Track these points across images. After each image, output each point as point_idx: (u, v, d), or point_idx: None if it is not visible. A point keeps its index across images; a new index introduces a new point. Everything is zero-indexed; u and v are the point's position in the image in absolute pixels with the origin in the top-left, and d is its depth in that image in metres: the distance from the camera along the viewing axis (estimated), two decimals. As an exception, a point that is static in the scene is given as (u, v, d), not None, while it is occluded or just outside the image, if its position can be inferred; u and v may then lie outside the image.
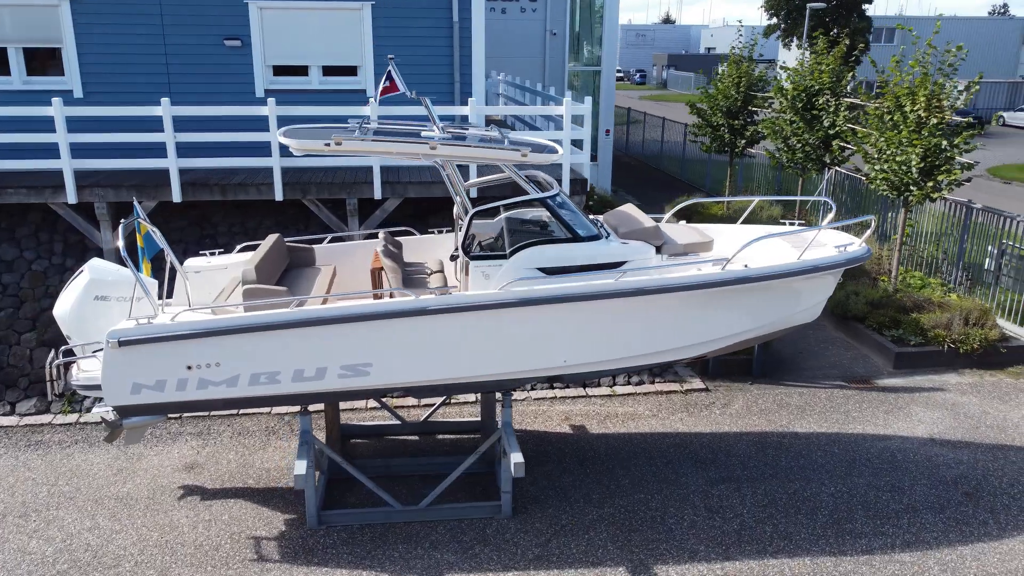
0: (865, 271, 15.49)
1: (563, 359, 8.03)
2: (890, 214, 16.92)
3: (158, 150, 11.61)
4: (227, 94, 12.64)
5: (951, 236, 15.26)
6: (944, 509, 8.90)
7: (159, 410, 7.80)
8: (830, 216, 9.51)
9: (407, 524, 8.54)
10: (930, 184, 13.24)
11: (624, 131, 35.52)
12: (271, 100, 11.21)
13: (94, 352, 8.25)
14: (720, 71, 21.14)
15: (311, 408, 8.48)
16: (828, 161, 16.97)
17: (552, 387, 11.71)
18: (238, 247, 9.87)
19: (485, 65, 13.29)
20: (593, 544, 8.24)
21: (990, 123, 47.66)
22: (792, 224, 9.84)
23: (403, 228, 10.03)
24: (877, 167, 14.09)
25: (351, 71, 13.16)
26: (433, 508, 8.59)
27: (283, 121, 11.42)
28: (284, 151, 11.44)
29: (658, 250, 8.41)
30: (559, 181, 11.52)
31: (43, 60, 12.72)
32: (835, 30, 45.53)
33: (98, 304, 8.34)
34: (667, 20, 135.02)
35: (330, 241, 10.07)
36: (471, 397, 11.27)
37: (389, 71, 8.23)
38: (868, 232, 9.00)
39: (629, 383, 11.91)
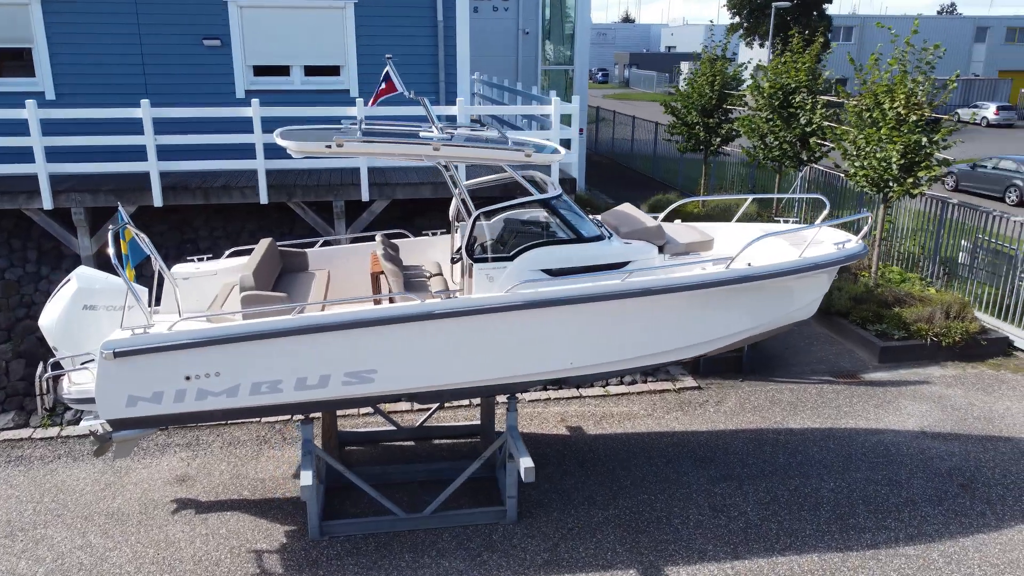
0: (846, 267, 15.68)
1: (570, 361, 7.95)
2: (864, 210, 17.16)
3: (136, 153, 11.27)
4: (206, 95, 12.31)
5: (927, 231, 15.53)
6: (942, 501, 9.01)
7: (156, 423, 7.54)
8: (824, 213, 9.57)
9: (411, 532, 8.39)
10: (910, 180, 13.46)
11: (593, 130, 35.61)
12: (255, 101, 10.94)
13: (83, 364, 7.97)
14: (693, 69, 21.27)
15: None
16: (805, 158, 17.17)
17: (546, 388, 11.63)
18: (227, 252, 9.59)
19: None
20: (602, 547, 8.17)
21: (966, 122, 48.56)
22: (788, 222, 9.88)
23: (397, 231, 9.85)
24: (857, 164, 14.28)
25: (334, 71, 12.91)
26: (437, 515, 8.44)
27: (266, 122, 11.16)
28: (269, 153, 11.18)
29: (660, 250, 8.38)
30: (541, 182, 11.44)
31: (12, 61, 12.24)
32: (796, 29, 46.24)
33: (86, 314, 8.05)
34: (627, 19, 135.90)
35: (321, 245, 9.86)
36: (466, 400, 11.14)
37: (387, 72, 8.05)
38: (865, 229, 9.07)
39: (622, 383, 11.87)
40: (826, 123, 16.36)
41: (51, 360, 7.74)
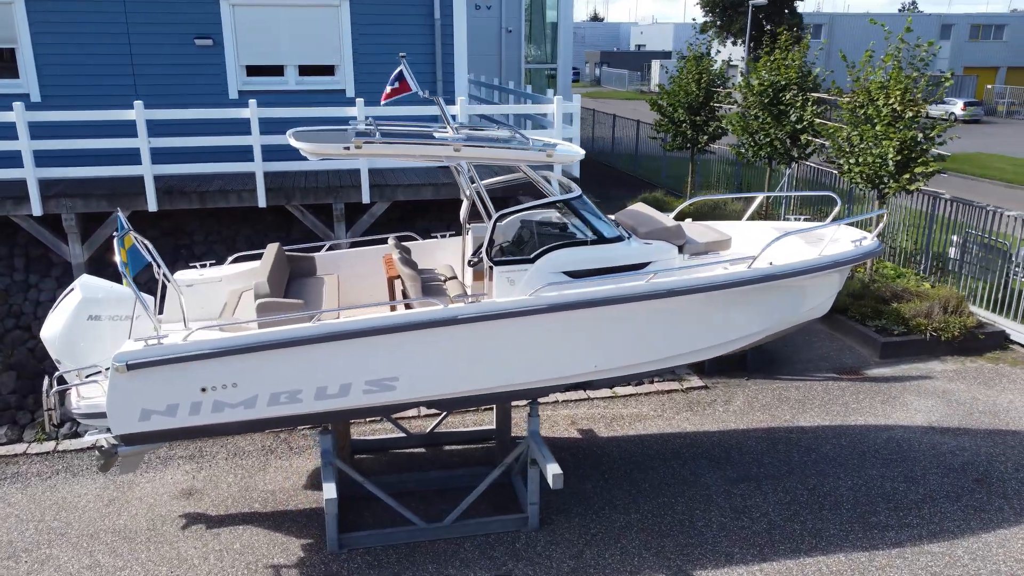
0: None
1: (594, 364, 7.81)
2: (854, 206, 17.27)
3: (127, 157, 10.90)
4: (198, 96, 11.97)
5: (919, 226, 15.64)
6: (960, 497, 9.03)
7: (169, 437, 7.26)
8: (836, 210, 9.55)
9: (432, 542, 8.19)
10: (906, 176, 13.52)
11: (572, 128, 35.48)
12: (253, 102, 10.63)
13: (88, 376, 7.65)
14: (678, 66, 21.26)
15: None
16: (796, 155, 17.22)
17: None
18: (230, 258, 9.32)
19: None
20: (627, 552, 8.04)
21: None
22: (798, 220, 9.84)
23: (406, 234, 9.63)
24: (852, 160, 14.33)
25: (329, 70, 12.63)
26: (458, 524, 8.25)
27: (260, 124, 10.85)
28: (267, 155, 10.89)
29: (679, 250, 8.27)
30: (548, 181, 11.29)
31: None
32: (768, 26, 46.63)
33: (91, 324, 7.75)
34: (595, 18, 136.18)
35: (328, 249, 9.61)
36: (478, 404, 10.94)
37: (400, 71, 7.84)
38: (880, 226, 9.05)
39: (629, 384, 11.76)
40: (818, 120, 16.41)
41: (56, 374, 7.42)
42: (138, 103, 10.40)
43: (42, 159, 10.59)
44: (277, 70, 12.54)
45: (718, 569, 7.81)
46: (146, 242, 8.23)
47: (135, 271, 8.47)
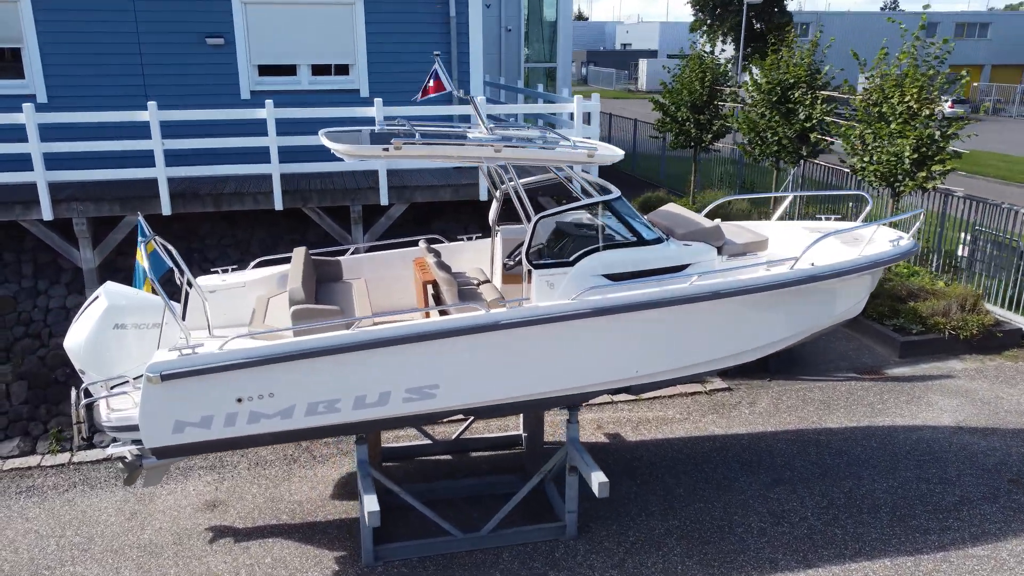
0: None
1: (635, 369, 7.64)
2: (862, 205, 17.21)
3: (137, 159, 10.60)
4: (209, 96, 11.67)
5: (931, 224, 15.60)
6: (997, 498, 8.94)
7: (203, 449, 7.02)
8: (868, 209, 9.45)
9: (468, 553, 7.99)
10: (923, 174, 13.47)
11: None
12: (269, 102, 10.38)
13: (113, 387, 7.39)
14: (680, 65, 21.16)
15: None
16: (804, 154, 17.15)
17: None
18: (253, 263, 9.07)
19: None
20: (669, 560, 7.88)
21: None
22: (828, 220, 9.72)
23: (433, 236, 9.41)
24: (866, 159, 14.25)
25: (343, 70, 12.37)
26: (495, 534, 8.06)
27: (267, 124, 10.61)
28: (284, 157, 10.64)
29: (718, 251, 8.12)
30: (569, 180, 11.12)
31: (0, 62, 11.43)
32: (759, 25, 46.76)
33: (116, 333, 7.47)
34: (580, 17, 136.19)
35: (352, 253, 9.38)
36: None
37: (435, 70, 7.63)
38: (917, 225, 8.95)
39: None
40: (828, 118, 16.34)
41: (83, 385, 7.15)
42: (152, 104, 10.11)
43: (51, 162, 10.27)
44: (289, 70, 12.26)
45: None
46: (170, 247, 7.99)
47: (157, 276, 8.23)
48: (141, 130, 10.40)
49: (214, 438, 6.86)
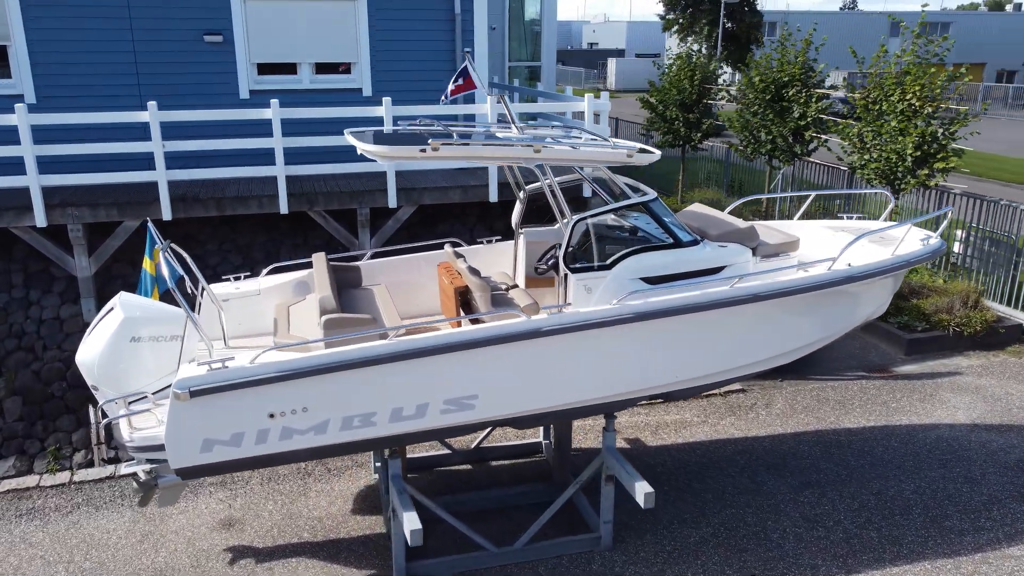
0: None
1: (675, 375, 7.45)
2: (855, 203, 17.28)
3: (134, 162, 10.14)
4: (207, 96, 11.22)
5: (927, 222, 15.67)
6: (1024, 497, 8.93)
7: (233, 468, 6.65)
8: (891, 207, 9.38)
9: (502, 567, 7.73)
10: (924, 172, 13.49)
11: (545, 127, 35.15)
12: (275, 102, 9.99)
13: (130, 404, 6.99)
14: (668, 63, 21.09)
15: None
16: (798, 151, 17.14)
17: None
18: (265, 270, 8.70)
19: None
20: (709, 570, 7.70)
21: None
22: (850, 218, 9.64)
23: (452, 240, 9.12)
24: (865, 156, 14.25)
25: (345, 68, 11.98)
26: (530, 547, 7.81)
27: (269, 125, 10.21)
28: (289, 159, 10.26)
29: (752, 252, 7.96)
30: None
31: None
32: (730, 24, 47.00)
33: (132, 347, 7.07)
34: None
35: (370, 257, 9.06)
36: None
37: (465, 67, 7.37)
38: (944, 224, 8.89)
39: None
40: (823, 116, 16.34)
41: (100, 404, 6.75)
42: (152, 104, 9.65)
43: (44, 165, 9.77)
44: (290, 68, 11.84)
45: (806, 583, 7.53)
46: (183, 254, 7.61)
47: (164, 286, 7.83)
48: (135, 131, 9.93)
49: (244, 456, 6.51)
